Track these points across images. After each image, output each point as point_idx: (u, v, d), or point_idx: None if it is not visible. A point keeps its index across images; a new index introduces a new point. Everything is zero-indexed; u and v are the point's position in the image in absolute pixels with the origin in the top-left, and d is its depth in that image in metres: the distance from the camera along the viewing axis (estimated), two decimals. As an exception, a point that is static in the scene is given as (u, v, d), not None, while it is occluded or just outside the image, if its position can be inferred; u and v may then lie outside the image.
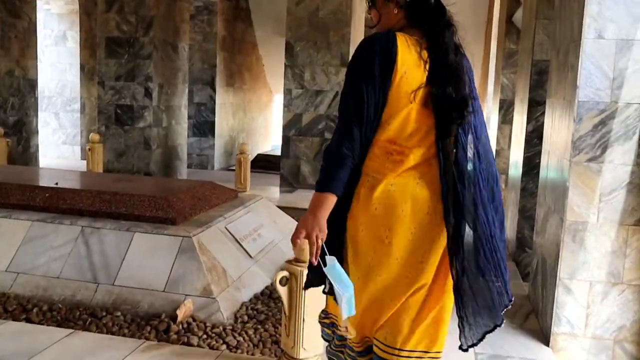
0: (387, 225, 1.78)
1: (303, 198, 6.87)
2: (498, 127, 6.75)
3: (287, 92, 7.40)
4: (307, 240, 1.80)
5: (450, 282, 1.82)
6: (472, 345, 1.84)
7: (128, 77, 7.45)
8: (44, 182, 4.60)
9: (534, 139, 4.42)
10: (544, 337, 3.19)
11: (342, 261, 1.85)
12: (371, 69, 1.70)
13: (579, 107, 2.90)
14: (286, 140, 7.56)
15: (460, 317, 1.82)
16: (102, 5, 7.45)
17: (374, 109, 1.73)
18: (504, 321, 1.86)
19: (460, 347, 1.84)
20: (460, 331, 1.83)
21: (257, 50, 11.47)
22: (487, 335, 1.89)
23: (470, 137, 1.78)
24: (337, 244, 1.87)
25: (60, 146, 10.14)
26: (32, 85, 8.51)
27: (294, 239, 1.81)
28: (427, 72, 1.73)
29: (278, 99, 11.54)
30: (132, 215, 4.09)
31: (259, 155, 10.29)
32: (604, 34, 2.85)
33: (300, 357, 2.55)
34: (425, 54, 1.74)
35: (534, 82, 4.36)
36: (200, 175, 8.82)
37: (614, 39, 2.84)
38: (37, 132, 8.76)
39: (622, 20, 2.83)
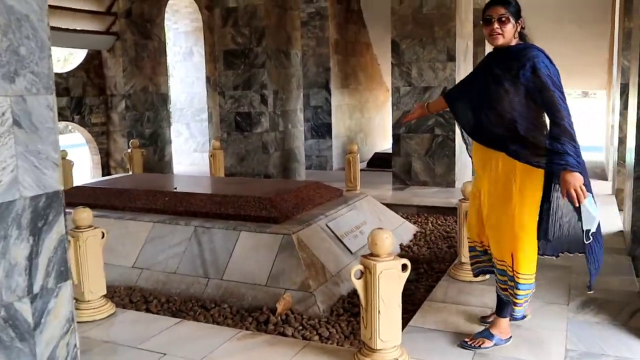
0: None
1: (414, 195, 6.89)
2: (620, 113, 6.31)
3: (395, 90, 7.45)
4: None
5: None
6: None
7: (245, 86, 7.91)
8: (165, 187, 5.06)
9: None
10: (649, 335, 3.00)
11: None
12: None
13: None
14: (397, 138, 7.62)
15: None
16: (219, 21, 7.98)
17: None
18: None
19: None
20: None
21: (371, 50, 11.59)
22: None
23: None
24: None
25: (192, 154, 10.96)
26: (164, 99, 9.32)
27: (579, 192, 2.53)
28: None
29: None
30: (239, 216, 4.40)
31: (375, 154, 10.40)
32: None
33: (378, 348, 2.64)
34: None
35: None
36: (318, 176, 9.11)
37: None
38: (170, 142, 9.56)
39: None
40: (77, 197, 5.08)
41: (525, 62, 2.63)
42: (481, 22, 2.81)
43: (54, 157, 1.89)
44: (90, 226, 3.40)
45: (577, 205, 2.57)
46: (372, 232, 2.64)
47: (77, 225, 3.36)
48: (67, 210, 3.44)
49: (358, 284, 2.66)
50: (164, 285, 4.15)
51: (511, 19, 2.71)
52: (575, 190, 2.53)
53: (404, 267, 2.69)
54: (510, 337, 2.95)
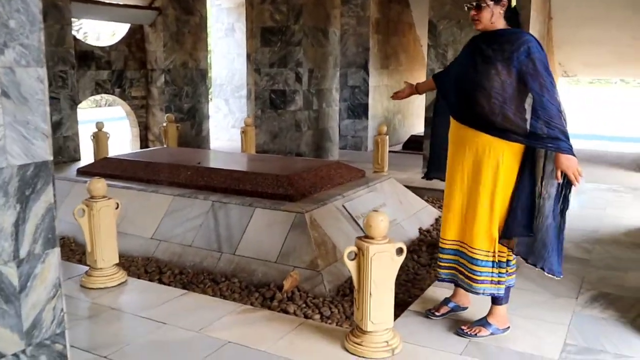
0: None
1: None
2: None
3: (430, 72, 7.30)
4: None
5: None
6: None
7: (281, 64, 7.92)
8: (190, 162, 5.15)
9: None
10: (656, 334, 2.90)
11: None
12: None
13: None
14: (429, 120, 7.48)
15: None
16: (257, -2, 8.00)
17: None
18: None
19: None
20: None
21: (414, 30, 11.39)
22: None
23: None
24: None
25: (229, 129, 11.08)
26: (203, 74, 9.42)
27: (577, 174, 2.60)
28: None
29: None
30: (256, 192, 4.45)
31: (411, 136, 10.27)
32: None
33: (368, 330, 2.65)
34: None
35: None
36: (350, 156, 9.10)
37: None
38: (208, 117, 9.68)
39: None
40: (105, 168, 5.24)
41: (519, 46, 2.65)
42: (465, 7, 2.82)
43: (43, 128, 1.95)
44: (104, 196, 3.51)
45: (573, 186, 2.64)
46: (368, 214, 2.64)
47: (92, 195, 3.47)
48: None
49: (351, 265, 2.66)
50: (179, 257, 4.25)
51: (489, 4, 2.72)
52: (573, 173, 2.60)
53: (400, 250, 2.67)
54: (509, 327, 2.91)
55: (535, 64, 2.61)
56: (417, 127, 11.61)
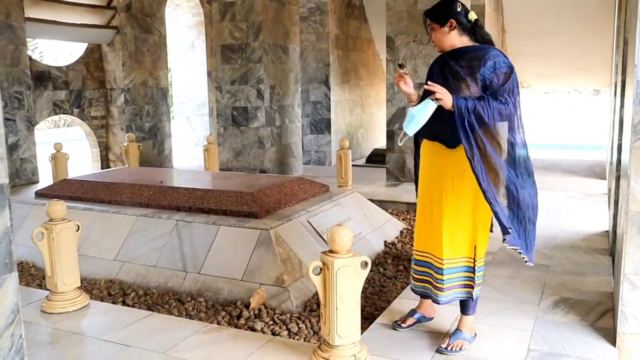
0: None
1: (406, 191, 6.87)
2: (614, 111, 6.25)
3: (390, 86, 7.43)
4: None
5: None
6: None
7: (242, 81, 7.93)
8: (152, 181, 5.09)
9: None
10: (613, 337, 2.97)
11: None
12: None
13: (638, 87, 2.68)
14: (390, 134, 7.60)
15: None
16: (216, 15, 8.00)
17: None
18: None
19: None
20: None
21: (373, 45, 11.55)
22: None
23: None
24: None
25: (192, 147, 11.00)
26: (164, 93, 9.36)
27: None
28: None
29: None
30: (220, 210, 4.43)
31: (374, 150, 10.38)
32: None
33: (335, 344, 2.65)
34: None
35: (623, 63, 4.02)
36: (314, 171, 9.14)
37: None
38: (170, 135, 9.60)
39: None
40: (64, 189, 5.14)
41: (486, 61, 2.69)
42: None
43: (-2, 151, 1.91)
44: (64, 219, 3.44)
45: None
46: (331, 229, 2.65)
47: (51, 218, 3.40)
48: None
49: (316, 280, 2.66)
50: (143, 278, 4.18)
51: (438, 26, 2.79)
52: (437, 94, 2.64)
53: (364, 264, 2.69)
54: (476, 334, 2.96)
55: (499, 78, 2.68)
56: (380, 140, 11.74)
